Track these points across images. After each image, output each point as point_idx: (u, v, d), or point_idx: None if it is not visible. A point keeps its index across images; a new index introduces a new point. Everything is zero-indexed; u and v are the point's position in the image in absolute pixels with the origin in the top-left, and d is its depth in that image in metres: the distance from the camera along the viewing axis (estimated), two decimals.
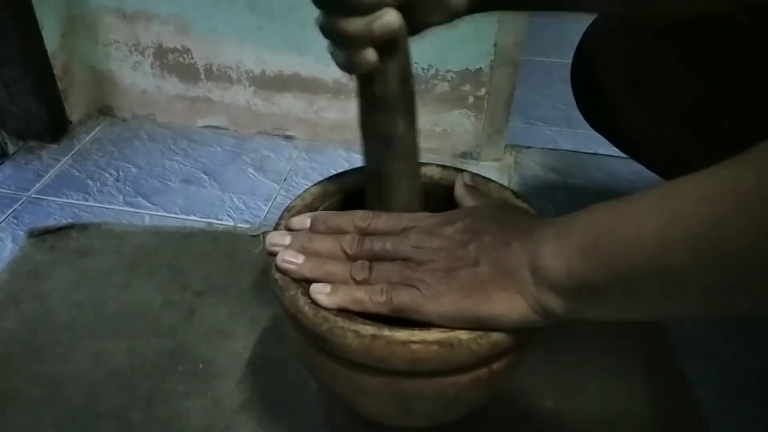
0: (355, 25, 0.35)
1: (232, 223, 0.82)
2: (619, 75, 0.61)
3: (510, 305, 0.36)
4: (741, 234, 0.27)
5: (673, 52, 0.55)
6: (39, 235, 0.78)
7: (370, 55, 0.36)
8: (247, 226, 0.81)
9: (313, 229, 0.42)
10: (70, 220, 0.81)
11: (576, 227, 0.35)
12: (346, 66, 0.38)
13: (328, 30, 0.37)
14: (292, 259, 0.40)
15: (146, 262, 0.75)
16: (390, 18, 0.35)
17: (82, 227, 0.80)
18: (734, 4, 0.43)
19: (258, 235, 0.79)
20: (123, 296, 0.70)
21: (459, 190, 0.47)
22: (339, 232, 0.41)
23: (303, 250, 0.41)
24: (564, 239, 0.35)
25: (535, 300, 0.35)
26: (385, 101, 0.39)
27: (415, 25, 0.39)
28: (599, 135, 0.68)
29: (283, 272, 0.40)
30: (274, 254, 0.41)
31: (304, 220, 0.43)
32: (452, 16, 0.40)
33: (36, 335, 0.65)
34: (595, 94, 0.65)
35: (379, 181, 0.43)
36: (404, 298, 0.37)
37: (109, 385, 0.60)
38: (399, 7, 0.36)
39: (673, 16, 0.46)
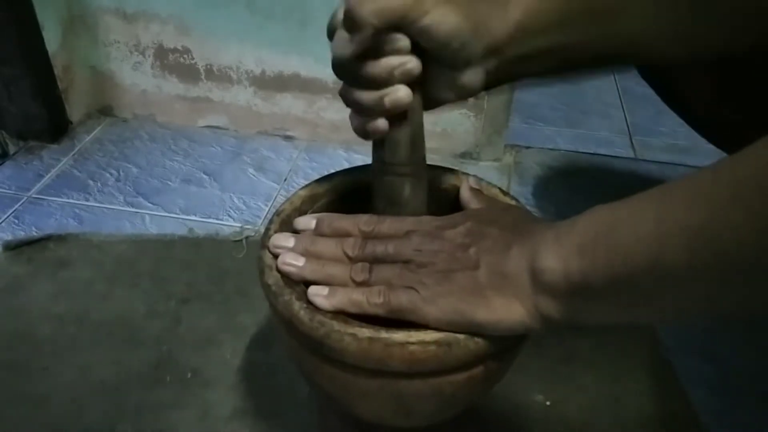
0: (368, 96, 0.38)
1: (214, 228, 0.81)
2: None
3: (507, 311, 0.36)
4: (737, 228, 0.26)
5: None
6: (15, 247, 0.76)
7: (381, 124, 0.39)
8: (243, 227, 0.81)
9: (317, 231, 0.42)
10: (71, 220, 0.82)
11: (576, 229, 0.35)
12: (360, 132, 0.40)
13: (345, 98, 0.40)
14: (292, 262, 0.41)
15: (127, 272, 0.73)
16: (400, 94, 0.38)
17: (60, 238, 0.77)
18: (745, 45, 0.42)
19: (241, 240, 0.78)
20: (105, 307, 0.68)
21: (465, 194, 0.47)
22: (343, 234, 0.41)
23: (305, 253, 0.41)
24: (563, 241, 0.34)
25: (533, 305, 0.35)
26: (393, 166, 0.42)
27: (429, 101, 0.41)
28: (599, 135, 0.68)
29: (284, 274, 0.41)
30: (276, 256, 0.42)
31: (309, 221, 0.43)
32: (466, 94, 0.42)
33: (17, 351, 0.63)
34: None
35: None
36: (402, 299, 0.37)
37: (96, 398, 0.58)
38: (414, 84, 0.38)
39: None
